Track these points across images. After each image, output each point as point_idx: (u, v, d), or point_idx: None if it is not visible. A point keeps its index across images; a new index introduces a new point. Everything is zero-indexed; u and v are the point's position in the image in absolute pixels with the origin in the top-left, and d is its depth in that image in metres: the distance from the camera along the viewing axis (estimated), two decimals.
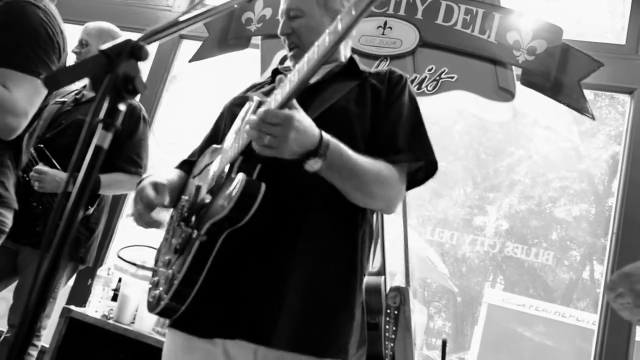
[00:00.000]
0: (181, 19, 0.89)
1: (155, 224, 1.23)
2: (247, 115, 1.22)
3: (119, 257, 1.57)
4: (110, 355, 2.37)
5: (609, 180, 10.60)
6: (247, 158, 1.15)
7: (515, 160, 10.97)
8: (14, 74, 1.51)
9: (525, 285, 11.00)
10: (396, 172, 1.24)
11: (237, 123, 1.28)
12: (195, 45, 3.36)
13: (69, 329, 2.39)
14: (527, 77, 2.77)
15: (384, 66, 2.86)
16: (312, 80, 1.35)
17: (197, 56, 3.31)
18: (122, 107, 0.77)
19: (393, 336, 2.10)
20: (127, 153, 2.52)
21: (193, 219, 1.21)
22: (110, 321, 2.40)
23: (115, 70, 0.74)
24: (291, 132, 1.02)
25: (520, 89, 2.77)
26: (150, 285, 1.30)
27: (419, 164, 1.30)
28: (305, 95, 1.20)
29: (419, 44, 2.87)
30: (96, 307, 2.51)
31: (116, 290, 2.60)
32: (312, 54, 0.97)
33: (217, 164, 1.26)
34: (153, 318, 2.42)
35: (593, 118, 2.72)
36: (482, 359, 7.95)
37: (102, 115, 0.75)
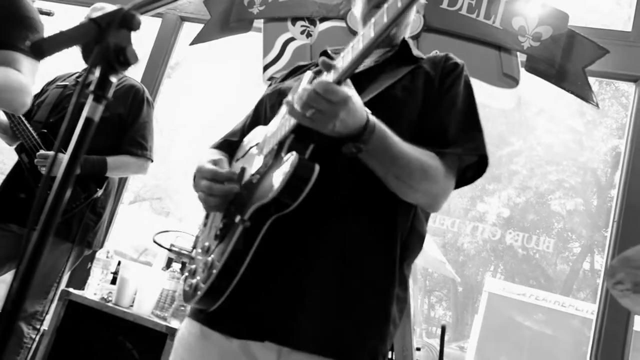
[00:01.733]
0: None
1: (227, 196, 1.13)
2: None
3: (154, 242, 1.53)
4: (108, 338, 2.36)
5: (612, 173, 10.57)
6: (299, 137, 1.05)
7: (516, 151, 10.93)
8: (23, 58, 1.70)
9: (525, 275, 11.01)
10: (443, 166, 1.14)
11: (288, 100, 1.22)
12: (197, 27, 3.33)
13: (67, 311, 2.38)
14: (532, 63, 2.74)
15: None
16: (365, 65, 1.29)
17: (198, 39, 3.27)
18: (114, 79, 0.74)
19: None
20: (131, 135, 2.52)
21: (236, 203, 1.12)
22: (109, 304, 2.40)
23: (105, 40, 0.72)
24: (342, 112, 0.96)
25: (525, 78, 2.74)
26: (187, 273, 1.21)
27: (471, 160, 1.20)
28: (357, 79, 1.11)
29: (423, 28, 2.83)
30: (95, 290, 2.50)
31: (115, 273, 2.60)
32: (368, 30, 0.91)
33: (264, 145, 1.17)
34: (152, 301, 2.41)
35: (597, 106, 2.69)
36: (481, 348, 7.99)
37: (92, 86, 0.72)
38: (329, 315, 1.09)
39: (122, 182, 3.24)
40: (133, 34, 0.76)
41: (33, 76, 1.77)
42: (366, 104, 1.04)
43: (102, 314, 2.37)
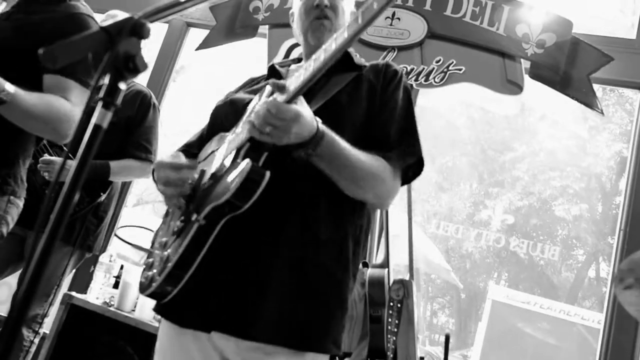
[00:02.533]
0: None
1: (184, 184, 1.22)
2: (257, 104, 1.23)
3: (116, 235, 1.57)
4: (110, 343, 2.36)
5: (616, 180, 10.54)
6: (254, 145, 1.14)
7: (520, 157, 10.91)
8: (75, 86, 1.60)
9: (530, 282, 10.97)
10: (389, 168, 1.25)
11: (247, 111, 1.29)
12: (203, 33, 3.35)
13: (69, 315, 2.39)
14: (536, 70, 2.74)
15: (391, 57, 2.83)
16: None
17: (204, 44, 3.29)
18: (123, 86, 0.75)
19: (395, 329, 2.09)
20: (136, 139, 2.53)
21: (194, 202, 1.20)
22: (111, 308, 2.40)
23: (115, 48, 0.73)
24: (294, 127, 1.05)
25: (529, 84, 2.74)
26: (144, 267, 1.30)
27: (411, 160, 1.31)
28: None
29: (427, 35, 2.84)
30: (97, 293, 2.51)
31: (118, 277, 2.60)
32: (329, 45, 1.00)
33: (223, 150, 1.26)
34: (153, 306, 2.42)
35: (602, 113, 2.69)
36: (485, 356, 7.94)
37: (101, 93, 0.73)
38: (289, 307, 1.16)
39: (126, 185, 3.25)
40: (143, 42, 0.77)
41: (82, 104, 1.65)
42: (315, 112, 1.14)
43: (104, 318, 2.38)
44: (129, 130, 2.54)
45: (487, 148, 11.21)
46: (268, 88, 1.25)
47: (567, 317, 8.01)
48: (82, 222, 2.40)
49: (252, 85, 1.51)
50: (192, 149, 1.48)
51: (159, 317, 2.38)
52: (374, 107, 1.32)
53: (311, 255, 1.20)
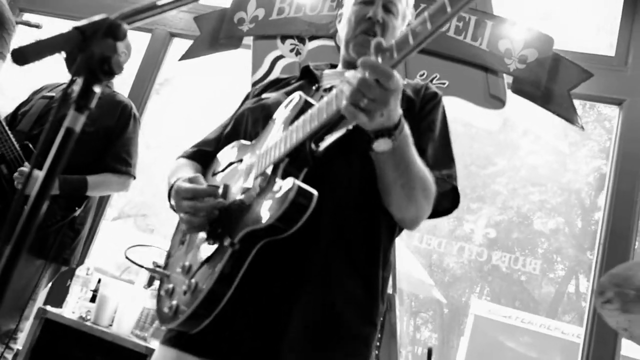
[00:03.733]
0: (161, 2, 0.84)
1: (211, 211, 1.09)
2: (288, 112, 1.13)
3: (126, 257, 1.50)
4: (85, 359, 2.30)
5: (595, 196, 10.68)
6: (293, 160, 1.03)
7: (501, 171, 11.02)
8: None
9: (511, 297, 11.01)
10: (434, 186, 1.14)
11: (280, 119, 1.16)
12: (187, 43, 3.32)
13: (43, 330, 2.32)
14: (518, 85, 2.76)
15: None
16: None
17: (188, 55, 3.27)
18: (97, 89, 0.72)
19: (378, 343, 2.06)
20: (116, 151, 2.48)
21: (222, 224, 1.09)
22: (88, 323, 2.34)
23: (89, 49, 0.70)
24: (392, 101, 0.91)
25: (511, 99, 2.76)
26: (162, 293, 1.18)
27: (444, 187, 1.20)
28: None
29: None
30: (73, 308, 2.44)
31: (95, 291, 2.54)
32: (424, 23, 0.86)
33: (250, 163, 1.14)
34: (132, 320, 2.36)
35: (582, 128, 2.71)
36: None
37: (74, 95, 0.70)
38: (312, 344, 1.07)
39: (105, 198, 3.19)
40: (119, 44, 0.74)
41: None
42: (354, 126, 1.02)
43: (79, 333, 2.32)
44: (109, 141, 2.49)
45: (470, 163, 11.28)
46: (301, 95, 1.14)
47: (548, 331, 8.05)
48: (56, 236, 2.33)
49: (281, 87, 1.40)
50: (208, 147, 1.38)
51: (137, 332, 2.33)
52: (410, 123, 1.16)
53: (339, 291, 1.11)
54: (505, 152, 11.04)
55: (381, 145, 0.97)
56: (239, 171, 1.17)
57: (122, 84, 2.91)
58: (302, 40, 3.05)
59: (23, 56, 0.63)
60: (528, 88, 2.74)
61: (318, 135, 1.03)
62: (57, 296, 2.84)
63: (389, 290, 2.17)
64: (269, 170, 1.06)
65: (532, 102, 2.74)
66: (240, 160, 1.20)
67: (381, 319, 1.21)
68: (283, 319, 1.07)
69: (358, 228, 1.15)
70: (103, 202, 3.20)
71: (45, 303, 2.72)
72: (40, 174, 0.67)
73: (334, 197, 1.12)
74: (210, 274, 1.03)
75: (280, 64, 3.07)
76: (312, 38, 3.04)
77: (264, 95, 1.39)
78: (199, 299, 1.01)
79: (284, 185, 0.97)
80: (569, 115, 2.68)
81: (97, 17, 0.73)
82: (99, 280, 2.56)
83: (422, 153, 1.15)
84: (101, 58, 0.71)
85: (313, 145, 1.04)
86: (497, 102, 2.74)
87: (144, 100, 3.37)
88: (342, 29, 1.41)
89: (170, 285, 1.15)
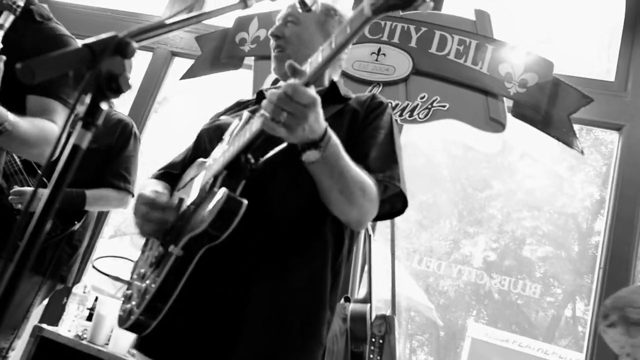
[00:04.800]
0: (169, 21, 0.85)
1: (163, 224, 1.18)
2: (236, 129, 1.22)
3: (93, 267, 1.51)
4: None
5: (592, 220, 10.68)
6: (231, 173, 1.12)
7: (501, 195, 11.03)
8: (61, 108, 1.60)
9: (508, 320, 10.93)
10: (375, 187, 1.20)
11: (226, 137, 1.26)
12: (187, 63, 3.34)
13: (39, 349, 2.29)
14: (518, 109, 2.78)
15: (376, 92, 2.85)
16: None
17: (189, 74, 3.28)
18: (104, 106, 0.72)
19: None
20: (115, 168, 2.48)
21: (172, 232, 1.18)
22: (84, 342, 2.31)
23: (98, 66, 0.70)
24: (311, 114, 0.98)
25: (509, 123, 2.77)
26: (123, 299, 1.26)
27: (394, 191, 1.27)
28: None
29: (412, 71, 2.87)
30: (69, 326, 2.41)
31: (91, 309, 2.51)
32: (331, 39, 0.97)
33: (201, 177, 1.24)
34: (128, 340, 2.33)
35: (582, 153, 2.72)
36: None
37: (81, 113, 0.70)
38: (265, 343, 1.14)
39: (103, 216, 3.17)
40: (127, 62, 0.74)
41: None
42: None
43: (75, 352, 2.29)
44: (108, 158, 2.49)
45: (467, 186, 11.30)
46: (246, 113, 1.23)
47: (546, 356, 7.98)
48: (54, 251, 2.31)
49: (240, 109, 1.49)
50: (175, 170, 1.47)
51: (133, 351, 2.30)
52: (354, 133, 1.29)
53: (286, 286, 1.18)
54: (502, 175, 11.07)
55: (310, 156, 1.05)
56: (193, 185, 1.26)
57: (122, 102, 2.92)
58: None
59: (31, 72, 0.63)
60: (528, 112, 2.75)
61: (257, 148, 1.11)
62: (53, 314, 2.80)
63: (388, 312, 2.15)
64: (209, 182, 1.16)
65: (532, 126, 2.76)
66: (196, 176, 1.29)
67: (327, 327, 1.24)
68: (235, 320, 1.14)
69: (305, 235, 1.22)
70: (101, 219, 3.18)
71: (41, 321, 2.68)
72: (44, 192, 0.67)
73: (280, 206, 1.20)
74: (156, 277, 1.11)
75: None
76: None
77: (222, 117, 1.48)
78: (146, 300, 1.09)
79: (217, 194, 1.06)
80: (568, 139, 2.69)
81: (105, 35, 0.73)
82: (96, 299, 2.53)
83: (365, 157, 1.22)
84: (109, 76, 0.71)
85: (251, 159, 1.12)
86: (497, 125, 2.75)
87: (143, 118, 3.37)
88: None
89: (129, 292, 1.24)
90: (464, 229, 11.21)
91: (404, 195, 1.29)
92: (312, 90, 0.98)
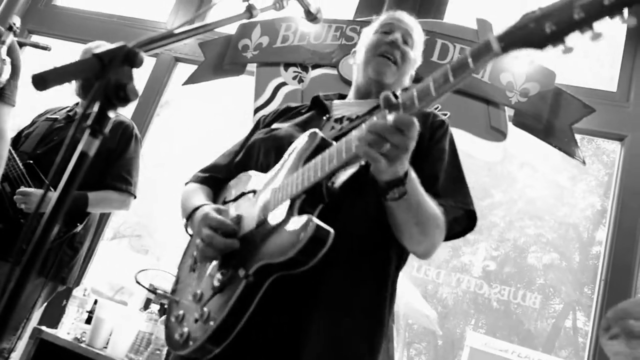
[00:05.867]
0: (177, 31, 0.86)
1: (227, 249, 1.12)
2: (306, 148, 1.15)
3: (137, 282, 1.48)
4: None
5: (593, 230, 10.67)
6: (310, 197, 1.06)
7: (498, 203, 11.03)
8: (7, 108, 1.69)
9: (507, 330, 10.91)
10: (444, 216, 1.16)
11: (295, 154, 1.17)
12: (190, 68, 3.35)
13: (38, 350, 2.29)
14: (519, 118, 2.78)
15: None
16: (359, 113, 1.34)
17: (192, 79, 3.29)
18: (112, 114, 0.73)
19: None
20: (117, 170, 2.50)
21: (236, 255, 1.12)
22: (82, 345, 2.31)
23: (106, 76, 0.71)
24: (411, 145, 0.94)
25: (510, 132, 2.78)
26: (172, 319, 1.19)
27: (457, 213, 1.23)
28: (353, 129, 1.11)
29: (414, 79, 2.87)
30: (68, 329, 2.41)
31: (91, 312, 2.51)
32: (444, 76, 0.89)
33: (267, 197, 1.15)
34: (127, 344, 2.33)
35: (584, 163, 2.72)
36: None
37: (90, 121, 0.71)
38: None
39: (104, 218, 3.18)
40: (134, 71, 0.75)
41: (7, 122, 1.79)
42: None
43: (74, 355, 2.29)
44: (110, 161, 2.50)
45: None
46: (318, 133, 1.15)
47: None
48: (56, 253, 2.32)
49: (291, 117, 1.43)
50: (219, 174, 1.41)
51: (132, 355, 2.30)
52: (420, 152, 1.17)
53: (348, 318, 1.14)
54: (502, 184, 11.07)
55: (394, 194, 1.02)
56: (252, 203, 1.18)
57: (130, 104, 2.93)
58: (305, 68, 3.09)
59: (43, 81, 0.64)
60: (530, 121, 2.76)
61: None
62: (53, 316, 2.80)
63: None
64: (285, 206, 1.07)
65: (533, 136, 2.76)
66: (253, 192, 1.22)
67: (384, 347, 1.20)
68: (292, 351, 1.08)
69: (371, 263, 1.18)
70: (102, 221, 3.19)
71: (40, 323, 2.69)
72: (52, 195, 0.68)
73: (348, 232, 1.12)
74: (223, 303, 1.04)
75: (283, 91, 3.09)
76: (315, 66, 3.07)
77: (274, 125, 1.41)
78: (211, 328, 1.03)
79: (302, 221, 0.99)
80: (570, 149, 2.69)
81: (114, 45, 0.74)
82: (95, 302, 2.53)
83: (435, 180, 1.20)
84: (117, 85, 0.72)
85: (330, 184, 1.07)
86: (498, 134, 2.75)
87: (146, 122, 3.38)
88: (359, 58, 1.45)
89: (181, 312, 1.17)
90: (464, 237, 11.20)
91: (468, 217, 1.26)
92: (418, 124, 0.93)
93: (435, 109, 2.81)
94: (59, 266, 2.35)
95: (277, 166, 1.21)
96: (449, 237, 1.24)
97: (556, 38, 0.78)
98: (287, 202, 1.07)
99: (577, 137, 2.74)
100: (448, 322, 11.33)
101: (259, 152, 1.34)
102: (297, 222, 1.01)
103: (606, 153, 10.11)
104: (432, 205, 1.12)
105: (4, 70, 1.62)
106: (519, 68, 2.82)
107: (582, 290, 10.42)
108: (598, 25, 0.75)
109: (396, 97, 0.94)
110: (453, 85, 0.86)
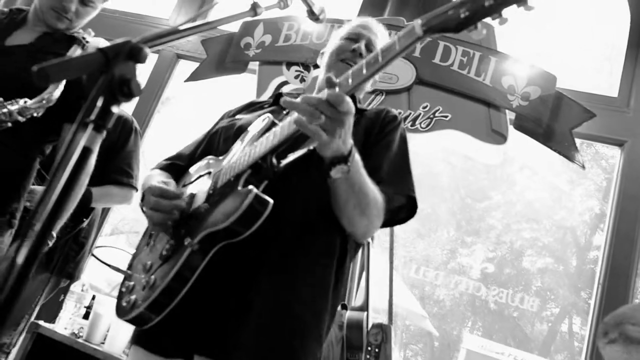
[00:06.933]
0: (181, 27, 0.86)
1: (172, 213, 1.19)
2: (257, 130, 1.24)
3: (92, 255, 1.51)
4: None
5: (591, 234, 10.67)
6: (255, 172, 1.13)
7: (500, 206, 11.03)
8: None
9: (503, 332, 10.91)
10: (384, 201, 1.23)
11: (247, 137, 1.27)
12: (192, 65, 3.35)
13: (35, 345, 2.29)
14: (520, 121, 2.79)
15: (379, 100, 2.87)
16: None
17: (194, 77, 3.29)
18: (115, 109, 0.73)
19: None
20: (118, 164, 2.50)
21: (185, 226, 1.17)
22: (80, 340, 2.31)
23: (111, 71, 0.71)
24: (347, 122, 1.02)
25: (511, 134, 2.78)
26: (123, 289, 1.25)
27: (400, 201, 1.30)
28: None
29: (415, 81, 2.88)
30: (66, 324, 2.41)
31: (89, 307, 2.51)
32: (374, 56, 1.02)
33: (219, 176, 1.23)
34: (124, 339, 2.33)
35: (583, 167, 2.73)
36: None
37: (93, 115, 0.71)
38: (267, 334, 1.14)
39: (105, 212, 3.18)
40: (138, 67, 0.75)
41: None
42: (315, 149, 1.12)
43: (71, 350, 2.29)
44: (111, 155, 2.50)
45: (466, 196, 11.30)
46: (270, 117, 1.25)
47: None
48: (62, 249, 2.32)
49: (255, 110, 1.50)
50: (181, 161, 1.48)
51: (129, 351, 2.30)
52: (369, 144, 1.32)
53: (292, 285, 1.19)
54: (501, 187, 11.08)
55: (338, 172, 1.07)
56: (206, 182, 1.26)
57: (133, 99, 2.93)
58: (307, 67, 3.09)
59: (47, 76, 0.64)
60: (530, 125, 2.76)
61: (280, 151, 1.14)
62: (50, 311, 2.80)
63: (385, 321, 2.15)
64: (232, 179, 1.16)
65: (533, 139, 2.76)
66: (209, 173, 1.29)
67: (327, 330, 1.25)
68: (240, 313, 1.14)
69: (314, 238, 1.24)
70: (103, 216, 3.19)
71: (38, 318, 2.68)
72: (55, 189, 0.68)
73: (293, 208, 1.21)
74: (168, 271, 1.10)
75: (285, 90, 3.10)
76: (316, 66, 3.06)
77: (238, 116, 1.49)
78: (155, 293, 1.08)
79: (243, 192, 1.07)
80: (570, 153, 2.70)
81: (119, 40, 0.74)
82: (93, 297, 2.53)
83: (379, 168, 1.27)
84: (121, 80, 0.72)
85: (275, 161, 1.15)
86: (499, 137, 2.76)
87: (147, 118, 3.38)
88: (324, 60, 1.55)
89: (131, 283, 1.23)
90: (462, 239, 11.21)
91: (411, 204, 1.32)
92: (350, 100, 1.01)
93: (437, 110, 2.82)
94: (65, 261, 2.35)
95: (233, 149, 1.29)
96: (393, 223, 1.35)
97: (469, 22, 0.91)
98: (234, 177, 1.15)
99: (577, 141, 2.75)
100: (445, 324, 11.33)
101: (219, 139, 1.42)
102: (239, 192, 1.09)
103: (605, 158, 10.12)
104: (373, 189, 1.18)
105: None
106: (520, 72, 2.82)
107: (578, 295, 10.43)
108: (506, 11, 0.90)
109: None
110: (382, 65, 0.99)
